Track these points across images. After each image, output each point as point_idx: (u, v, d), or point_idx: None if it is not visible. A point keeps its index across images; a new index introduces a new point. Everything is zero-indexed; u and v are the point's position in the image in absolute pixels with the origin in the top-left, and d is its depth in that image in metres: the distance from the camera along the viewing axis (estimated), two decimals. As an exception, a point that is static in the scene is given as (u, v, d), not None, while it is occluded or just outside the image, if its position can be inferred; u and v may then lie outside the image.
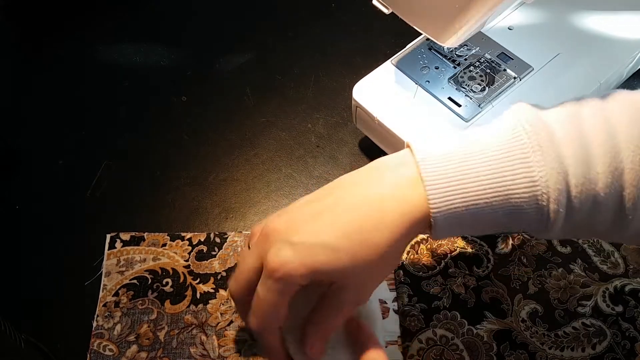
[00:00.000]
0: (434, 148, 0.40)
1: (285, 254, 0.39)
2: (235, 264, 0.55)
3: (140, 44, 0.73)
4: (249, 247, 0.45)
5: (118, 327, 0.52)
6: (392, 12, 0.50)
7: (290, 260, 0.39)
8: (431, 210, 0.39)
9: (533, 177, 0.38)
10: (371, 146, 0.61)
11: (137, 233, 0.57)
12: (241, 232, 0.57)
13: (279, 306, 0.40)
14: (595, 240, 0.56)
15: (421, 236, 0.56)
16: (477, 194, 0.39)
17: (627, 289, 0.53)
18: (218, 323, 0.52)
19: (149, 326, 0.52)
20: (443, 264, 0.55)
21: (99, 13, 0.76)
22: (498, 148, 0.39)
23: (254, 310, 0.41)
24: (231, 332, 0.51)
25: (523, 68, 0.57)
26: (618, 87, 0.63)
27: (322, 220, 0.40)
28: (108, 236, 0.57)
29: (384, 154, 0.59)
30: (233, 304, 0.52)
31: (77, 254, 0.56)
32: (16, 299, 0.55)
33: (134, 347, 0.51)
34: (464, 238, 0.56)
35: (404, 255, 0.55)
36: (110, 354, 0.51)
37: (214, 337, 0.51)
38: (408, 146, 0.42)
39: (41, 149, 0.64)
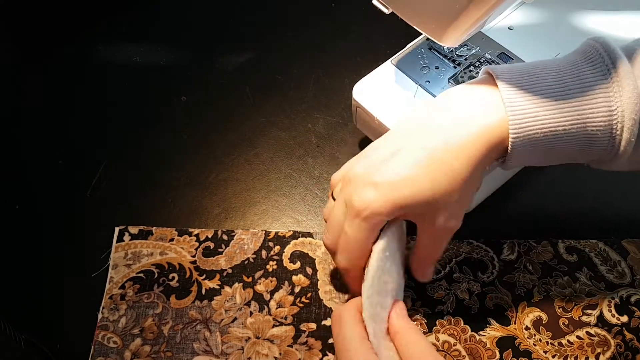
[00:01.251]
0: (515, 74, 0.42)
1: (369, 194, 0.42)
2: (246, 261, 0.55)
3: (140, 44, 0.73)
4: (333, 199, 0.48)
5: (123, 320, 0.52)
6: (392, 12, 0.50)
7: (375, 199, 0.42)
8: (510, 135, 0.41)
9: (611, 106, 0.40)
10: (371, 146, 0.61)
11: (145, 227, 0.57)
12: (248, 229, 0.57)
13: (366, 243, 0.44)
14: (602, 249, 0.55)
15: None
16: (557, 120, 0.40)
17: (632, 299, 0.53)
18: (222, 320, 0.52)
19: (153, 320, 0.52)
20: (448, 268, 0.55)
21: (99, 13, 0.76)
22: (578, 78, 0.41)
23: (343, 249, 0.45)
24: (235, 329, 0.52)
25: (523, 68, 0.57)
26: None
27: (401, 157, 0.43)
28: (117, 229, 0.57)
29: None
30: (238, 300, 0.53)
31: (77, 254, 0.56)
32: (16, 298, 0.55)
33: (138, 341, 0.51)
34: (469, 244, 0.56)
35: (409, 259, 0.55)
36: (115, 346, 0.51)
37: (218, 333, 0.51)
38: (487, 72, 0.44)
39: (41, 149, 0.64)
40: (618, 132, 0.40)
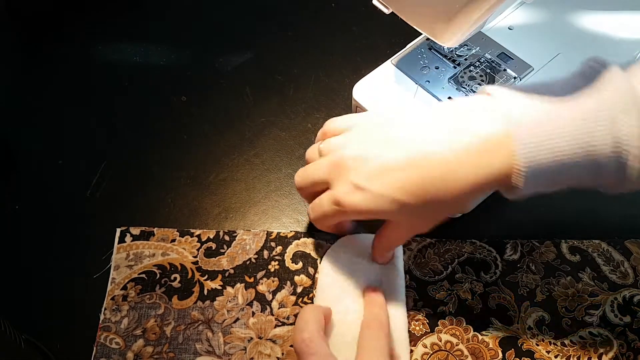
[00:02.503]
0: (521, 105, 0.42)
1: (356, 198, 0.45)
2: (248, 261, 0.55)
3: (140, 44, 0.72)
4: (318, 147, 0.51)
5: (125, 321, 0.52)
6: (392, 12, 0.50)
7: (359, 204, 0.45)
8: (520, 166, 0.40)
9: (619, 136, 0.39)
10: (371, 146, 0.61)
11: (147, 228, 0.57)
12: (249, 230, 0.57)
13: (334, 220, 0.49)
14: (605, 249, 0.55)
15: (428, 240, 0.56)
16: (563, 151, 0.40)
17: (635, 299, 0.53)
18: (224, 320, 0.52)
19: (155, 321, 0.52)
20: (450, 269, 0.54)
21: (99, 13, 0.76)
22: (586, 107, 0.40)
23: (314, 211, 0.50)
24: (237, 330, 0.52)
25: (523, 68, 0.57)
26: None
27: (392, 176, 0.44)
28: (118, 230, 0.57)
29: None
30: (240, 301, 0.53)
31: (77, 255, 0.56)
32: (16, 299, 0.55)
33: (140, 341, 0.51)
34: (471, 244, 0.56)
35: (411, 260, 0.55)
36: (117, 347, 0.51)
37: (220, 333, 0.51)
38: (488, 94, 0.43)
39: (41, 149, 0.64)
40: (625, 160, 0.40)
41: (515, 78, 0.56)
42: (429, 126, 0.44)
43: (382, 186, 0.44)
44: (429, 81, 0.57)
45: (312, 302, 0.53)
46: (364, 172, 0.45)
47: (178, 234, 0.57)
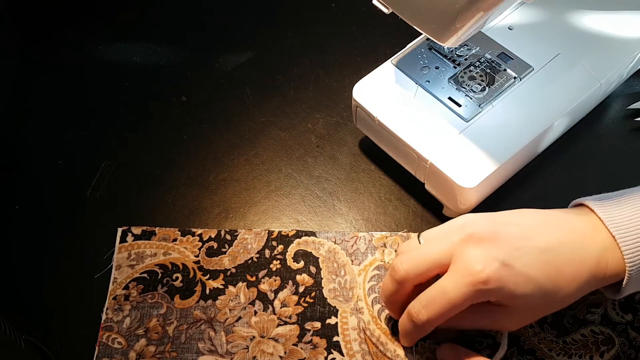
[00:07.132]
0: (617, 211, 0.45)
1: (503, 273, 0.42)
2: (249, 260, 0.55)
3: (140, 44, 0.72)
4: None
5: (127, 321, 0.52)
6: (392, 12, 0.50)
7: (498, 276, 0.41)
8: (627, 265, 0.43)
9: None
10: (371, 146, 0.61)
11: (148, 227, 0.57)
12: (251, 229, 0.57)
13: (459, 308, 0.43)
14: None
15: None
16: None
17: (637, 297, 0.52)
18: (226, 319, 0.52)
19: (158, 320, 0.52)
20: None
21: (99, 13, 0.76)
22: None
23: (430, 302, 0.43)
24: (239, 329, 0.52)
25: (523, 68, 0.57)
26: (618, 87, 0.63)
27: (540, 258, 0.43)
28: (120, 230, 0.57)
29: (384, 154, 0.59)
30: (242, 300, 0.53)
31: (77, 255, 0.56)
32: (17, 299, 0.55)
33: (143, 341, 0.51)
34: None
35: None
36: (119, 347, 0.51)
37: (222, 332, 0.51)
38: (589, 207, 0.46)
39: (41, 149, 0.64)
40: None
41: (515, 78, 0.56)
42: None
43: (525, 264, 0.43)
44: (429, 81, 0.57)
45: (314, 302, 0.53)
46: (506, 247, 0.43)
47: (179, 233, 0.57)
